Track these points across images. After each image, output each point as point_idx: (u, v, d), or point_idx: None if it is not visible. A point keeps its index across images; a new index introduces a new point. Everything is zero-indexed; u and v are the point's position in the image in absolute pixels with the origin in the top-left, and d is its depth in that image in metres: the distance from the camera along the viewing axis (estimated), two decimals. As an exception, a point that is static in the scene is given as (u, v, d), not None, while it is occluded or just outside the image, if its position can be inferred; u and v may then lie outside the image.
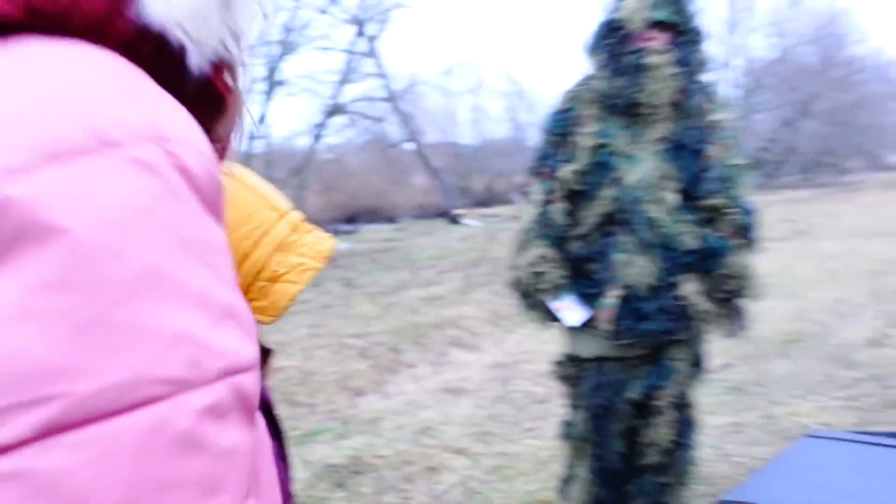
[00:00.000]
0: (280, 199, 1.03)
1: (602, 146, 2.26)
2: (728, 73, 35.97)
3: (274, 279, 0.99)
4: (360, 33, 16.56)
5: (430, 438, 4.16)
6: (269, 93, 14.59)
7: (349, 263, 11.80)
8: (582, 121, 2.27)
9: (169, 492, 0.38)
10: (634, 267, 2.28)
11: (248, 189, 0.99)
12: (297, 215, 1.04)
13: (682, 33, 2.24)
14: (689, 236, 2.29)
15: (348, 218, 23.23)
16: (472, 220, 18.02)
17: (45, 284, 0.38)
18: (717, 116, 2.33)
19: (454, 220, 18.87)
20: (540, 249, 2.33)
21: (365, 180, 24.69)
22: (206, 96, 0.53)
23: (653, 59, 2.20)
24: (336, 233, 20.18)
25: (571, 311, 2.34)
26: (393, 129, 23.14)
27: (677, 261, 2.29)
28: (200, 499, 0.40)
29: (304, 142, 16.54)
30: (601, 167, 2.24)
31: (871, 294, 6.19)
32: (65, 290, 0.38)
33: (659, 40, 2.20)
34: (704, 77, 2.36)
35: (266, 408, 0.85)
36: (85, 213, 0.40)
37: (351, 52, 16.53)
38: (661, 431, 2.41)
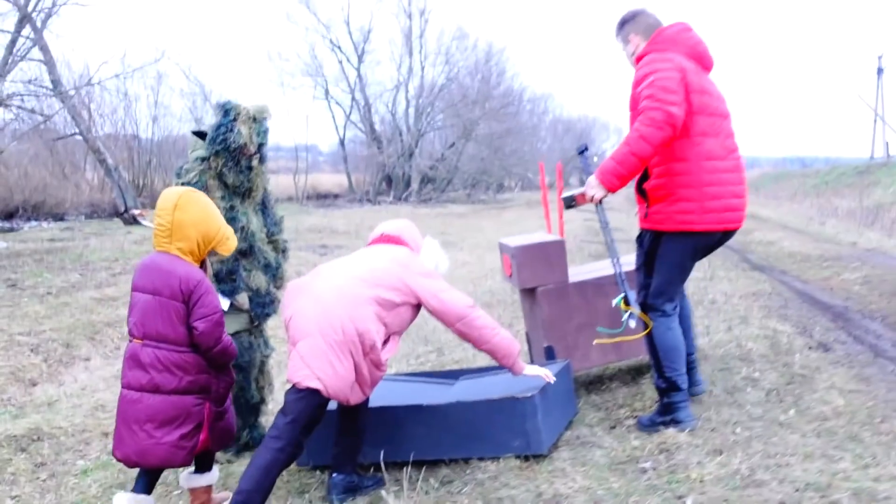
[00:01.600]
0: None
1: (231, 207, 3.53)
2: (403, 93, 39.56)
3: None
4: (25, 21, 15.71)
5: (105, 413, 4.91)
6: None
7: (13, 264, 11.17)
8: (209, 190, 3.46)
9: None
10: (256, 278, 3.65)
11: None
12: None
13: (264, 145, 3.65)
14: (272, 257, 3.75)
15: (6, 214, 21.37)
16: (151, 222, 17.42)
17: (431, 276, 3.14)
18: (268, 186, 3.83)
19: (133, 220, 18.21)
20: None
21: (26, 172, 22.80)
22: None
23: (255, 163, 3.60)
24: (-10, 230, 18.60)
25: (222, 302, 3.57)
26: (61, 120, 21.73)
27: (272, 272, 3.74)
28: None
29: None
30: (233, 221, 3.48)
31: (467, 294, 8.16)
32: (433, 274, 3.14)
33: (256, 153, 3.59)
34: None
35: None
36: (426, 267, 3.15)
37: (15, 38, 15.58)
38: (266, 377, 3.85)
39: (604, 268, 4.15)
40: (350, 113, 38.86)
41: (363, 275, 3.03)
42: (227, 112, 3.53)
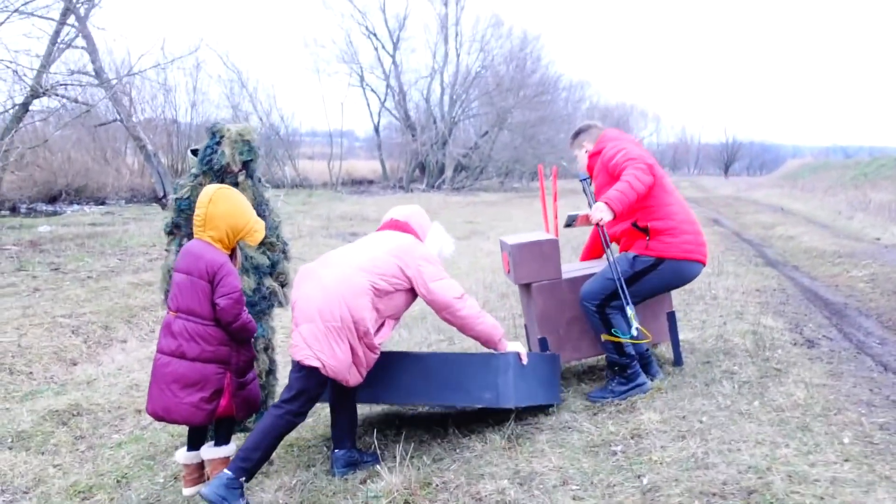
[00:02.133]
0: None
1: None
2: (437, 80, 39.76)
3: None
4: (70, 12, 16.27)
5: (139, 392, 5.34)
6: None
7: (56, 248, 11.68)
8: None
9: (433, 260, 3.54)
10: (244, 280, 3.97)
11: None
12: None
13: (252, 161, 4.00)
14: (263, 259, 4.07)
15: (50, 198, 22.11)
16: None
17: (442, 268, 3.49)
18: (268, 195, 4.14)
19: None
20: None
21: (69, 157, 23.50)
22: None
23: (241, 179, 3.96)
24: (35, 213, 19.36)
25: None
26: (103, 106, 22.32)
27: (262, 272, 4.06)
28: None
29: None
30: None
31: (485, 284, 8.49)
32: (431, 261, 3.46)
33: (242, 170, 3.96)
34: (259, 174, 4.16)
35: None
36: (427, 254, 3.48)
37: (59, 29, 16.14)
38: (262, 362, 4.17)
39: (595, 265, 4.42)
40: (385, 100, 39.24)
41: (363, 264, 3.38)
42: (214, 134, 3.96)
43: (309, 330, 3.28)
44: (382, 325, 3.41)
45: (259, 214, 3.98)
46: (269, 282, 4.10)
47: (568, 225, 4.09)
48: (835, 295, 6.64)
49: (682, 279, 4.17)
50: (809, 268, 8.43)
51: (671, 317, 4.40)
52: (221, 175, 3.93)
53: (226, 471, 3.18)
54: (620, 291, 3.93)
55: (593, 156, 4.34)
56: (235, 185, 3.93)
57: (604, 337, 4.05)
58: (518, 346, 3.60)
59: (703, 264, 4.18)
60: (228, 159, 3.92)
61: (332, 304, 3.27)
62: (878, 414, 3.37)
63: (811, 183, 29.42)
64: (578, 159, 4.47)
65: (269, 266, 4.12)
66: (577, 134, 4.49)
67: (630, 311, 3.90)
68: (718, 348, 4.67)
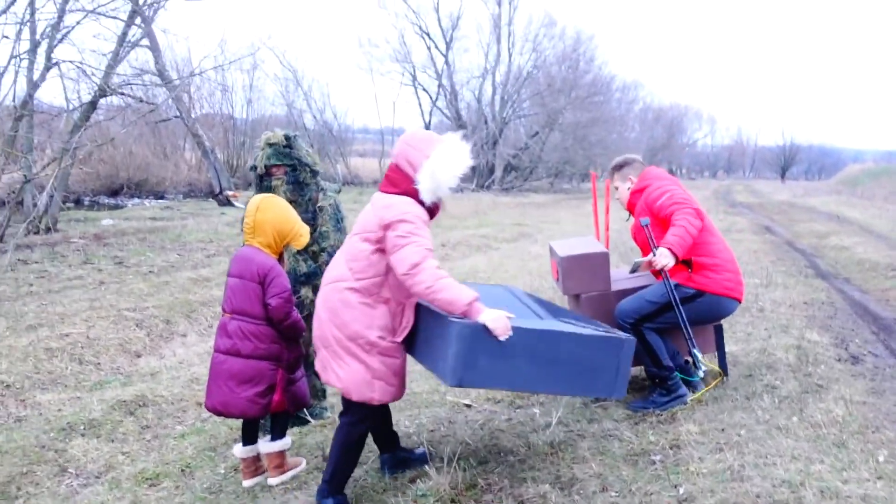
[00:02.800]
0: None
1: None
2: (489, 80, 39.81)
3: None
4: (136, 15, 16.85)
5: (199, 385, 5.62)
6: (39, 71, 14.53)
7: (119, 242, 12.17)
8: None
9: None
10: None
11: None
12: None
13: (292, 167, 4.23)
14: (303, 265, 4.28)
15: (112, 191, 22.91)
16: (243, 203, 18.34)
17: (406, 229, 3.03)
18: (322, 203, 4.33)
19: (226, 201, 19.26)
20: None
21: (131, 152, 24.28)
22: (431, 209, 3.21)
23: (274, 183, 4.22)
24: (98, 206, 20.11)
25: None
26: (164, 104, 22.98)
27: (298, 279, 4.24)
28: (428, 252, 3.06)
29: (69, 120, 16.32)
30: None
31: (532, 288, 8.57)
32: (411, 226, 3.04)
33: (276, 173, 4.20)
34: (316, 181, 4.35)
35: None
36: (412, 212, 3.07)
37: (126, 31, 16.73)
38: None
39: (643, 275, 4.50)
40: (436, 99, 39.42)
41: (341, 272, 3.23)
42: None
43: (323, 355, 3.30)
44: (403, 309, 3.23)
45: (306, 221, 4.04)
46: (304, 290, 4.27)
47: (633, 271, 4.19)
48: (885, 309, 6.60)
49: (716, 315, 4.27)
50: (861, 281, 8.35)
51: (718, 330, 4.48)
52: (259, 177, 4.28)
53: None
54: (685, 333, 3.98)
55: (636, 193, 4.44)
56: (269, 188, 4.22)
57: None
58: (494, 316, 2.94)
59: (740, 302, 4.29)
60: (257, 162, 4.27)
61: (325, 330, 3.25)
62: (917, 434, 3.42)
63: (871, 189, 28.71)
64: (619, 192, 4.57)
65: (304, 275, 4.29)
66: (620, 167, 4.57)
67: (699, 354, 3.97)
68: (761, 362, 4.74)
